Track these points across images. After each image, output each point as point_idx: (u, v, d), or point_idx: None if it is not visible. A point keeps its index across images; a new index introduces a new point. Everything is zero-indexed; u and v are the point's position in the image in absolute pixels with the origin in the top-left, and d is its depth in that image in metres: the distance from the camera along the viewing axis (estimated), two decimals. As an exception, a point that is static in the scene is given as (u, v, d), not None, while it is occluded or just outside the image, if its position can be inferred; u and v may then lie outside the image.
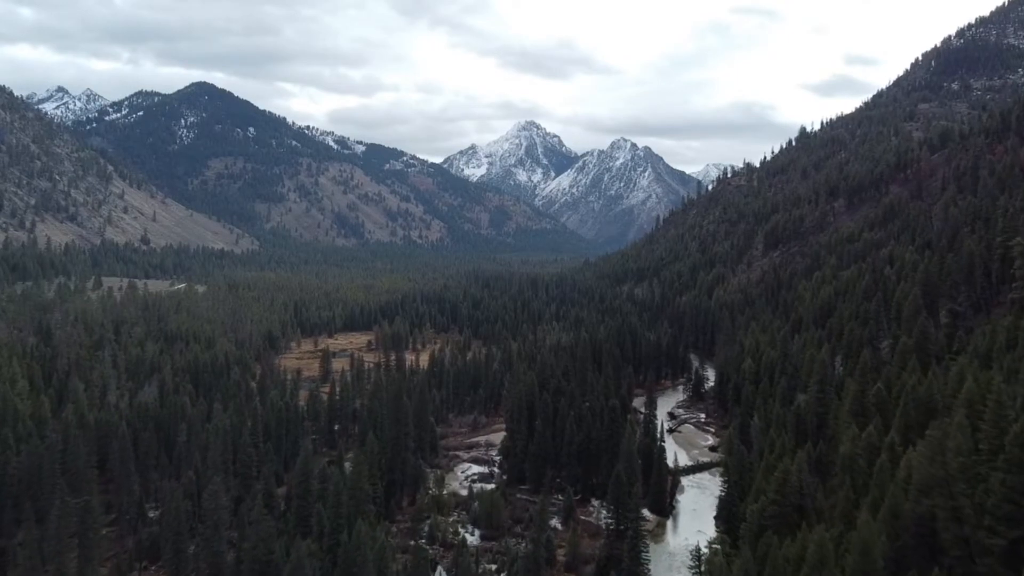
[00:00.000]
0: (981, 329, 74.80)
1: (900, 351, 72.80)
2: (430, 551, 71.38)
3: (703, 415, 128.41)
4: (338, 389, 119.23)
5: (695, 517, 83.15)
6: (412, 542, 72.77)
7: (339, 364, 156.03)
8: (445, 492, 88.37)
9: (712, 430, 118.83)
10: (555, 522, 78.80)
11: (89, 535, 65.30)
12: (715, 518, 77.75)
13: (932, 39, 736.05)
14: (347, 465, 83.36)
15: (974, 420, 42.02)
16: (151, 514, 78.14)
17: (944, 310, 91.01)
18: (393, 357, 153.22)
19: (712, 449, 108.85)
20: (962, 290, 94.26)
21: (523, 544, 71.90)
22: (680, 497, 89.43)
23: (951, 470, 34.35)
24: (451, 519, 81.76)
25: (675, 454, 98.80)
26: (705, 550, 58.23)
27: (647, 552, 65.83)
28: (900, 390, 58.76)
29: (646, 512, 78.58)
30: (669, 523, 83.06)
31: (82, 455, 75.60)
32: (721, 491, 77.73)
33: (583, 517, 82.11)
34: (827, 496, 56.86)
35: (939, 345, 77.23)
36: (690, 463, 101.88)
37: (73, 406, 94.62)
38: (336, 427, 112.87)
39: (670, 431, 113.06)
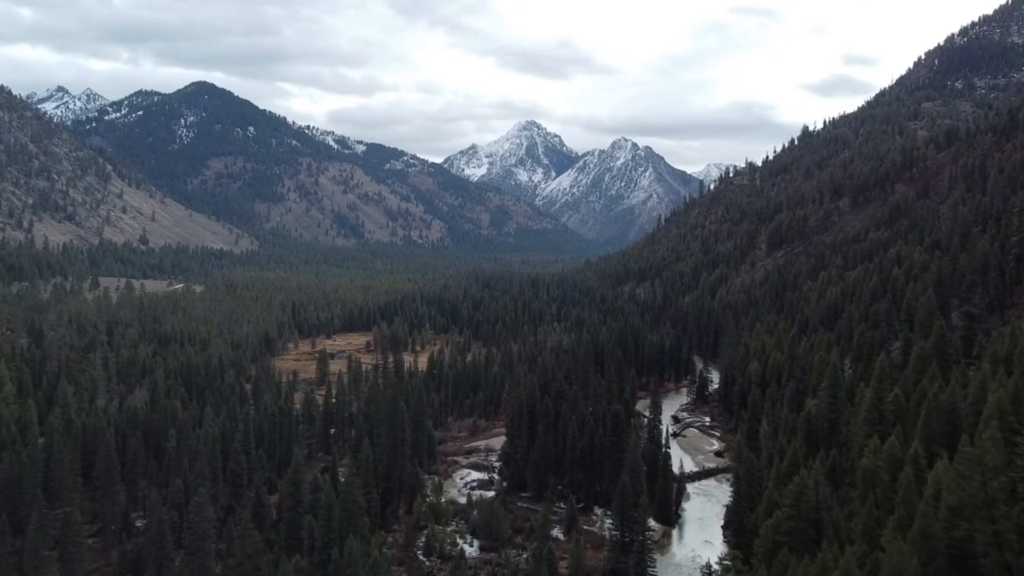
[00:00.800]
0: (998, 331, 72.00)
1: (917, 355, 69.90)
2: (427, 563, 68.63)
3: (708, 419, 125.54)
4: (334, 392, 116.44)
5: (702, 527, 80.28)
6: (408, 554, 69.99)
7: (336, 366, 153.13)
8: (443, 500, 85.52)
9: (717, 434, 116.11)
10: (557, 532, 76.00)
11: (70, 547, 62.46)
12: (723, 528, 75.14)
13: (932, 39, 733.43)
14: (342, 471, 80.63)
15: (1006, 432, 39.22)
16: (138, 523, 75.27)
17: (958, 312, 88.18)
18: (391, 359, 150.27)
19: (718, 454, 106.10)
20: (976, 291, 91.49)
21: (524, 556, 69.13)
22: (686, 505, 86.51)
23: (991, 491, 31.56)
24: (449, 528, 78.86)
25: (680, 459, 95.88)
26: (716, 566, 55.34)
27: (653, 566, 63.01)
28: (920, 398, 55.93)
29: (651, 521, 75.59)
30: (675, 533, 80.00)
31: (65, 462, 72.76)
32: (729, 499, 74.98)
33: (586, 527, 79.22)
34: (842, 506, 54.13)
35: (956, 348, 74.46)
36: (696, 469, 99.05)
37: (60, 411, 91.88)
38: (332, 432, 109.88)
39: (674, 435, 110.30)
